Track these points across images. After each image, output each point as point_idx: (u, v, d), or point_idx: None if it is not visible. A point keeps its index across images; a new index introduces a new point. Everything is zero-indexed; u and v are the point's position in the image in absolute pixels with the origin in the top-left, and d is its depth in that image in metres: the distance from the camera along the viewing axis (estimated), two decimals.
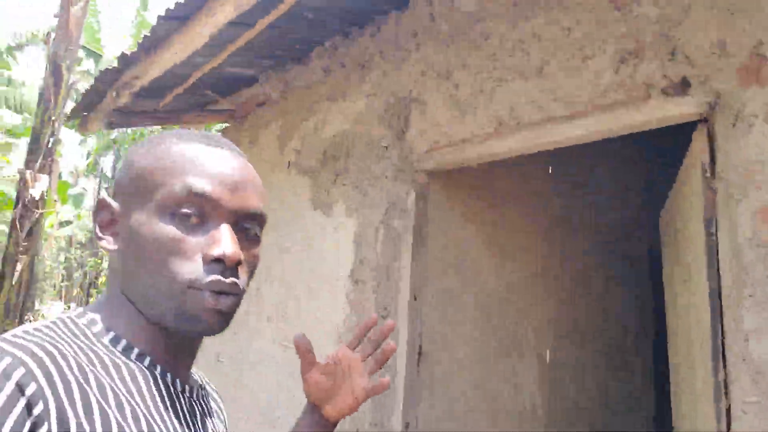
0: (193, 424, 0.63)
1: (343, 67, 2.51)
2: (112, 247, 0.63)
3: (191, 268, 0.59)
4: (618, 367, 2.90)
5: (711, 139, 1.46)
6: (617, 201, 3.04)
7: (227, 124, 3.60)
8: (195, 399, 0.67)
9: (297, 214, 2.69)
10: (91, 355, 0.56)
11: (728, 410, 1.25)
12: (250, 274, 0.65)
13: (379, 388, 0.81)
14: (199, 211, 0.60)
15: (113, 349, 0.59)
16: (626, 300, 3.02)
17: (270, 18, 2.07)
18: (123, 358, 0.59)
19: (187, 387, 0.65)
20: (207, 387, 0.75)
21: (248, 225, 0.64)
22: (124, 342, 0.60)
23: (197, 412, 0.66)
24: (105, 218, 0.64)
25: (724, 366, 1.28)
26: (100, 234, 0.63)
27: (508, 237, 2.46)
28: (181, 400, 0.63)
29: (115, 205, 0.63)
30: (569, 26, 1.70)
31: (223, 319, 0.61)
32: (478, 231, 2.37)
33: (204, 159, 0.62)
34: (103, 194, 0.64)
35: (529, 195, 2.54)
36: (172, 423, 0.59)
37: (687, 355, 1.81)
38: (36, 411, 0.47)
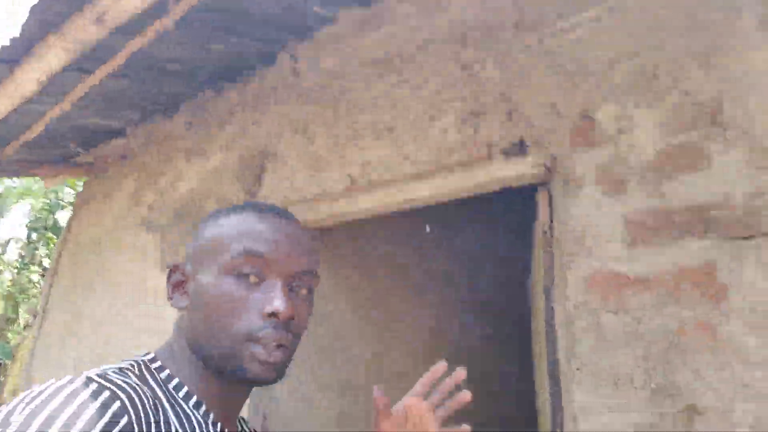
0: None
1: (205, 121, 2.32)
2: (182, 304, 0.71)
3: (248, 322, 0.66)
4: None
5: (550, 202, 1.40)
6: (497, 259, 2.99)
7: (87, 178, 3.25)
8: None
9: (143, 276, 2.36)
10: (161, 397, 0.63)
11: None
12: (304, 328, 0.72)
13: None
14: (256, 271, 0.67)
15: (175, 395, 0.65)
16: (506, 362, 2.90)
17: (112, 65, 1.88)
18: (183, 404, 0.65)
19: None
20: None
21: (301, 283, 0.71)
22: (185, 389, 0.66)
23: None
24: (176, 280, 0.72)
25: None
26: (171, 294, 0.72)
27: (378, 302, 2.27)
28: None
29: (186, 268, 0.72)
30: (418, 85, 1.65)
31: (275, 371, 0.67)
32: (348, 299, 2.17)
33: (260, 225, 0.70)
34: (176, 260, 0.73)
35: (404, 255, 2.41)
36: None
37: None
38: None
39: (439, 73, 1.61)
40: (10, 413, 0.52)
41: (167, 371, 0.68)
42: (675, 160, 1.08)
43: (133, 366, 0.66)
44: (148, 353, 0.70)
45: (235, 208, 0.74)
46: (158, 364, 0.69)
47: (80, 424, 0.51)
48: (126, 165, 2.79)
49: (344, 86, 1.85)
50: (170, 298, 0.72)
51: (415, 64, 1.67)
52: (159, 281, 2.23)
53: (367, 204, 1.70)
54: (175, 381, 0.67)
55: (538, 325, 1.56)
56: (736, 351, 0.92)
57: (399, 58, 1.71)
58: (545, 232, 1.40)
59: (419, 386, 0.87)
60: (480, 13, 1.54)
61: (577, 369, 1.06)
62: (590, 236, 1.14)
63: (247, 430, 0.80)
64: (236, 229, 0.70)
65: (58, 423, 0.50)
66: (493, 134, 1.43)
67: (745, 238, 0.96)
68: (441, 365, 0.88)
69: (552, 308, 1.30)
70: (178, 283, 0.73)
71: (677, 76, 1.13)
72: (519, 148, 1.39)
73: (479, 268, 2.89)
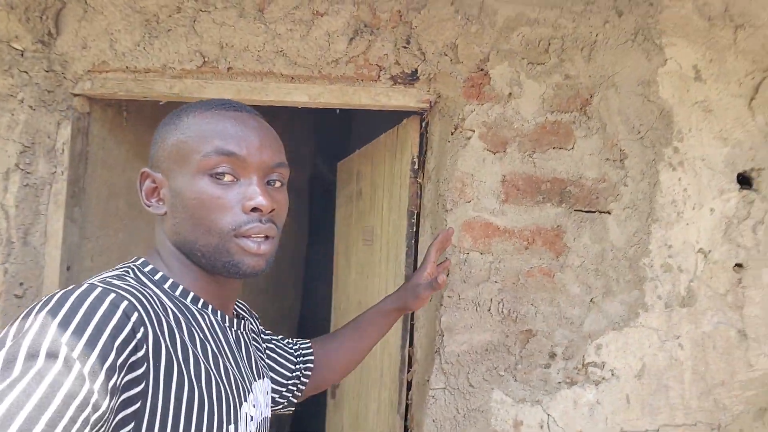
0: (239, 353, 0.77)
1: None
2: (161, 210, 0.74)
3: (232, 219, 0.69)
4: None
5: (425, 135, 1.51)
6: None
7: None
8: (240, 330, 0.80)
9: None
10: (162, 296, 0.68)
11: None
12: (284, 219, 0.77)
13: (441, 286, 1.07)
14: (231, 169, 0.71)
15: (172, 294, 0.70)
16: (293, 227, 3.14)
17: None
18: (182, 300, 0.70)
19: (235, 321, 0.79)
20: (245, 314, 0.91)
21: (275, 176, 0.75)
22: (181, 287, 0.71)
23: (242, 341, 0.80)
24: (149, 187, 0.75)
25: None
26: (146, 201, 0.75)
27: None
28: (229, 333, 0.76)
29: (156, 175, 0.74)
30: None
31: (264, 262, 0.73)
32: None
33: (226, 123, 0.72)
34: (144, 167, 0.74)
35: None
36: (227, 355, 0.72)
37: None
38: (138, 335, 0.58)
39: None
40: (22, 322, 0.54)
41: (161, 273, 0.72)
42: (548, 136, 1.29)
43: (127, 271, 0.70)
44: (137, 258, 0.74)
45: (196, 107, 0.75)
46: (151, 266, 0.73)
47: (95, 322, 0.55)
48: None
49: None
50: (147, 205, 0.75)
51: None
52: None
53: (226, 92, 1.51)
54: (170, 281, 0.72)
55: (380, 226, 1.76)
56: (564, 293, 1.28)
57: None
58: (414, 161, 1.54)
59: (434, 253, 1.13)
60: None
61: (448, 296, 1.30)
62: (471, 187, 1.31)
63: (241, 313, 0.89)
64: (203, 129, 0.71)
65: (73, 324, 0.53)
66: (387, 58, 1.41)
67: (586, 212, 1.27)
68: (449, 231, 1.14)
69: (415, 232, 1.50)
70: (150, 189, 0.75)
71: (563, 58, 1.29)
72: (410, 79, 1.42)
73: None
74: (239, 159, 0.71)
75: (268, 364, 0.95)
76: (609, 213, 1.24)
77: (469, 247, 1.30)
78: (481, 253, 1.30)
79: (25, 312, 0.56)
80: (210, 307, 0.73)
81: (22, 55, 1.53)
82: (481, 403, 1.27)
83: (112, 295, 0.58)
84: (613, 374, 1.27)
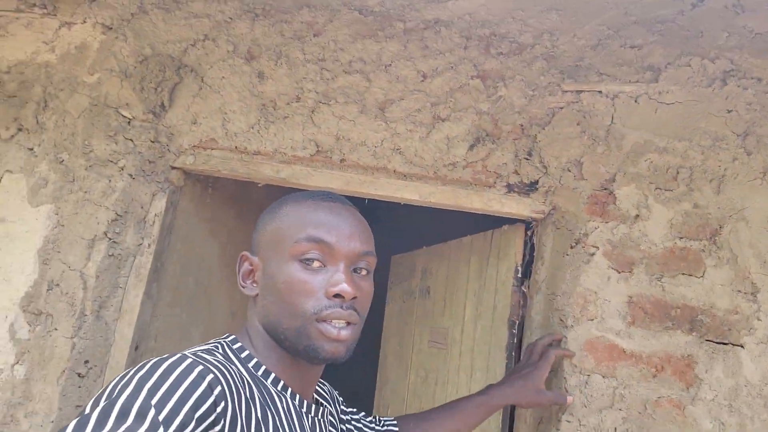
0: None
1: None
2: (253, 292, 0.81)
3: (315, 303, 0.75)
4: None
5: (528, 244, 1.50)
6: None
7: None
8: (318, 417, 0.83)
9: None
10: (245, 373, 0.74)
11: None
12: (368, 306, 0.82)
13: (568, 404, 1.24)
14: (320, 256, 0.78)
15: (255, 373, 0.76)
16: None
17: None
18: (263, 380, 0.76)
19: (313, 407, 0.82)
20: (326, 397, 0.95)
21: (362, 264, 0.81)
22: (263, 368, 0.77)
23: (317, 428, 0.82)
24: (246, 269, 0.83)
25: None
26: (242, 283, 0.82)
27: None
28: (305, 419, 0.80)
29: (254, 258, 0.83)
30: (425, 72, 1.48)
31: (345, 348, 0.77)
32: (222, 249, 1.88)
33: (320, 212, 0.80)
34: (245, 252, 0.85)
35: None
36: None
37: None
38: (219, 408, 0.63)
39: (453, 66, 1.48)
40: (117, 384, 0.60)
41: (247, 351, 0.78)
42: (677, 261, 1.30)
43: (217, 347, 0.76)
44: (228, 335, 0.81)
45: (297, 197, 0.85)
46: (239, 345, 0.79)
47: (181, 390, 0.60)
48: None
49: (316, 17, 1.52)
50: (243, 286, 0.82)
51: (423, 43, 1.48)
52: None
53: (335, 182, 1.49)
54: (255, 360, 0.77)
55: (465, 334, 1.69)
56: (695, 428, 1.21)
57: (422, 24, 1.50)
58: (517, 270, 1.50)
59: (554, 358, 1.23)
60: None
61: (567, 421, 1.21)
62: (595, 305, 1.29)
63: (323, 398, 0.93)
64: (298, 217, 0.80)
65: (162, 390, 0.59)
66: (506, 167, 1.45)
67: (718, 343, 1.24)
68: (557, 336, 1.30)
69: (515, 341, 1.43)
70: (247, 272, 0.83)
71: (692, 187, 1.32)
72: (527, 189, 1.42)
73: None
74: (328, 246, 0.78)
75: None
76: (742, 347, 1.22)
77: (592, 368, 1.26)
78: (604, 377, 1.25)
79: (121, 374, 0.63)
80: (289, 390, 0.78)
81: (129, 123, 1.53)
82: None
83: (200, 367, 0.64)
84: None
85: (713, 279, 1.34)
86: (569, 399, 1.21)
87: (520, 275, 1.58)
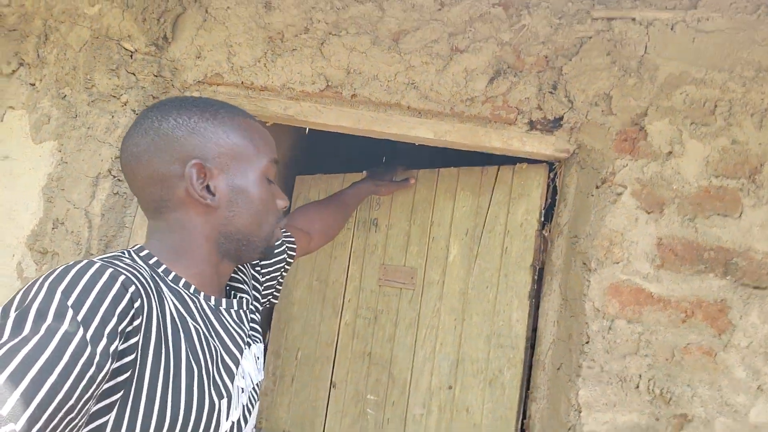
0: (227, 331, 0.83)
1: None
2: (214, 204, 0.81)
3: (276, 216, 0.88)
4: None
5: (551, 185, 1.41)
6: None
7: None
8: (238, 309, 0.89)
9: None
10: (157, 280, 0.75)
11: None
12: None
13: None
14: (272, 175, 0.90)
15: (165, 277, 0.77)
16: None
17: None
18: (175, 286, 0.77)
19: (232, 303, 0.87)
20: (244, 278, 1.00)
21: None
22: (173, 273, 0.79)
23: (243, 319, 0.89)
24: (200, 180, 0.81)
25: None
26: (200, 193, 0.80)
27: None
28: (224, 315, 0.84)
29: (212, 169, 0.81)
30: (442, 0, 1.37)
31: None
32: None
33: (266, 134, 0.89)
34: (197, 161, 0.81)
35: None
36: (213, 336, 0.78)
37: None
38: (136, 305, 0.64)
39: None
40: (29, 289, 0.59)
41: (155, 258, 0.79)
42: (712, 201, 1.19)
43: (123, 253, 0.77)
44: (135, 245, 0.82)
45: (241, 113, 0.87)
46: (146, 251, 0.80)
47: (96, 290, 0.59)
48: None
49: None
50: (202, 197, 0.80)
51: None
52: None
53: (344, 119, 1.41)
54: (164, 266, 0.79)
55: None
56: (727, 377, 1.13)
57: None
58: (540, 213, 1.42)
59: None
60: None
61: (589, 367, 1.15)
62: (621, 247, 1.20)
63: (243, 281, 0.99)
64: (260, 137, 0.86)
65: (76, 291, 0.58)
66: (528, 102, 1.34)
67: (755, 288, 1.15)
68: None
69: (537, 287, 1.36)
70: (203, 182, 0.82)
71: (731, 122, 1.21)
72: (551, 125, 1.32)
73: None
74: (277, 166, 0.90)
75: (268, 280, 1.15)
76: None
77: (616, 313, 1.18)
78: (629, 322, 1.17)
79: (28, 284, 0.61)
80: (202, 294, 0.81)
81: (131, 56, 1.45)
82: None
83: (111, 269, 0.64)
84: None
85: (751, 220, 1.24)
86: (411, 181, 1.74)
87: (543, 219, 1.49)
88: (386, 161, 1.86)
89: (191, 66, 1.49)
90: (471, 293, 1.57)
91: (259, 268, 1.13)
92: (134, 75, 1.48)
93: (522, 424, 1.46)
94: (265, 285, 1.14)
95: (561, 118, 1.36)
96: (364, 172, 1.86)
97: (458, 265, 1.62)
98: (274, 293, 1.21)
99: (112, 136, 1.45)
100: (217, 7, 1.49)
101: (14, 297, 0.60)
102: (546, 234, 1.44)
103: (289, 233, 1.27)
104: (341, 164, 2.31)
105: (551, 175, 1.48)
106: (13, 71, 1.52)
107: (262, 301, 1.13)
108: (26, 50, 1.52)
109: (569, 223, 1.36)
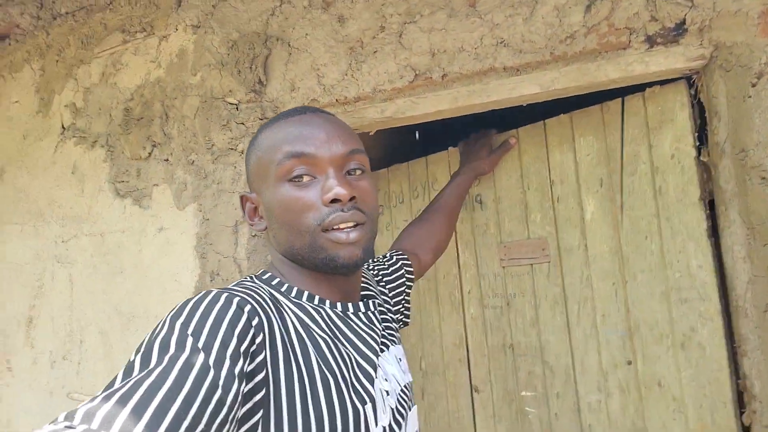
0: (373, 331, 0.82)
1: None
2: (261, 226, 0.81)
3: (316, 215, 0.73)
4: None
5: (697, 101, 1.19)
6: None
7: None
8: (366, 311, 0.83)
9: (88, 204, 1.78)
10: (278, 296, 0.75)
11: None
12: (374, 204, 0.79)
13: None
14: (306, 170, 0.75)
15: (288, 295, 0.77)
16: None
17: None
18: (298, 301, 0.76)
19: (359, 305, 0.83)
20: (369, 285, 0.98)
21: (353, 165, 0.78)
22: (296, 289, 0.78)
23: (374, 320, 0.84)
24: (250, 209, 0.83)
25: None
26: (250, 222, 0.82)
27: None
28: (354, 319, 0.80)
29: (252, 195, 0.82)
30: None
31: (360, 249, 0.75)
32: None
33: (292, 128, 0.77)
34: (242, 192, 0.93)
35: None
36: (351, 341, 0.77)
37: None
38: (254, 322, 0.63)
39: None
40: (155, 328, 0.61)
41: (277, 279, 0.79)
42: None
43: (245, 279, 0.79)
44: (259, 270, 0.85)
45: (267, 123, 0.82)
46: (268, 275, 0.80)
47: (213, 317, 0.60)
48: (15, 50, 2.01)
49: None
50: (251, 224, 0.82)
51: None
52: (119, 215, 1.70)
53: (441, 103, 1.34)
54: (286, 285, 0.78)
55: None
56: None
57: None
58: (694, 139, 1.21)
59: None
60: None
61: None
62: None
63: (370, 289, 0.96)
64: (273, 140, 0.78)
65: (194, 321, 0.59)
66: (638, 17, 1.15)
67: None
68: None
69: (709, 221, 1.15)
70: (252, 210, 0.83)
71: None
72: (674, 34, 1.12)
73: None
74: (310, 157, 0.74)
75: (393, 294, 1.08)
76: None
77: None
78: None
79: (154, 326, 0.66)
80: (327, 302, 0.78)
81: (237, 107, 1.54)
82: None
83: (225, 294, 0.64)
84: None
85: None
86: (512, 141, 1.53)
87: (698, 144, 1.26)
88: (474, 132, 1.64)
89: (289, 100, 1.55)
90: (626, 249, 1.36)
91: (384, 284, 1.09)
92: (243, 124, 1.58)
93: (737, 386, 1.22)
94: (394, 300, 1.08)
95: (683, 22, 1.15)
96: (450, 148, 1.68)
97: (600, 222, 1.41)
98: (404, 311, 1.14)
99: (238, 184, 1.56)
100: (297, 37, 1.54)
101: (141, 342, 0.62)
102: (705, 159, 1.22)
103: (401, 252, 1.20)
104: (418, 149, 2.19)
105: (691, 92, 1.25)
106: (150, 153, 1.72)
107: (395, 317, 1.07)
108: (154, 132, 1.71)
109: (729, 137, 1.13)
